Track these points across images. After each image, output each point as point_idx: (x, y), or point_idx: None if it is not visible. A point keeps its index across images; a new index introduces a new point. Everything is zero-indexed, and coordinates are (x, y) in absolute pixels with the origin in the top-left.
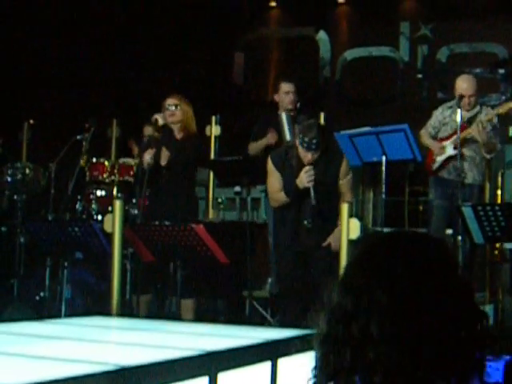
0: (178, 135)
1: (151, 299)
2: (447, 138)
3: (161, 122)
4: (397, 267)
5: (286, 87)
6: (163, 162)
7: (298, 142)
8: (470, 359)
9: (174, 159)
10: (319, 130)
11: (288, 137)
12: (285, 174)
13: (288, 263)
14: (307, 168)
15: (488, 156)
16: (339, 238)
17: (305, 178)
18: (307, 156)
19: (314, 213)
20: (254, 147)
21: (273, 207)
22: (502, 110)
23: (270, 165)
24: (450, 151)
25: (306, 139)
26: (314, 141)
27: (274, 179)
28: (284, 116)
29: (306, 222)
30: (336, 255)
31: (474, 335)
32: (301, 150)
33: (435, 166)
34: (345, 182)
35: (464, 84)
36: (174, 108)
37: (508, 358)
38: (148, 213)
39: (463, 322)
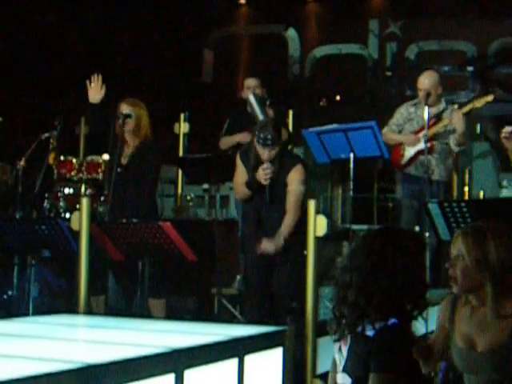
0: (135, 141)
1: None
2: (417, 133)
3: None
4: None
5: (248, 82)
6: (124, 161)
7: (255, 139)
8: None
9: (129, 167)
10: (274, 128)
11: (260, 116)
12: (249, 169)
13: (253, 259)
14: (265, 166)
15: (457, 149)
16: (274, 243)
17: (261, 176)
18: (264, 153)
19: (269, 213)
20: (226, 142)
21: (236, 200)
22: (478, 103)
23: (237, 159)
24: (422, 144)
25: (262, 136)
26: (269, 136)
27: (239, 173)
28: (252, 96)
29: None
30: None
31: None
32: (258, 148)
33: (404, 160)
34: (289, 192)
35: (425, 79)
36: (126, 115)
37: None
38: (110, 211)
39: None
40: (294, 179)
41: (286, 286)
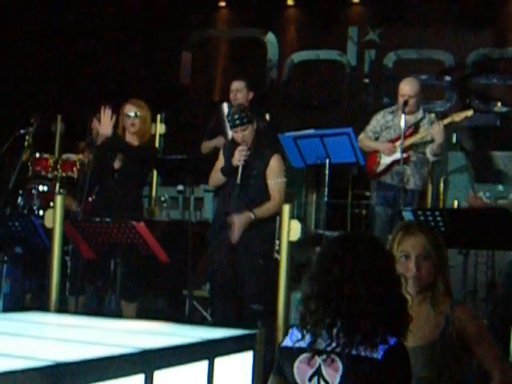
0: (135, 142)
1: (86, 300)
2: (394, 142)
3: (101, 131)
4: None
5: (234, 85)
6: (117, 165)
7: (228, 125)
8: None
9: (128, 166)
10: (240, 109)
11: (229, 136)
12: (227, 157)
13: (218, 260)
14: (240, 147)
15: (433, 159)
16: (240, 221)
17: (236, 156)
18: (238, 135)
19: (239, 205)
20: (205, 147)
21: (209, 186)
22: (457, 117)
23: (220, 153)
24: (398, 154)
25: (230, 118)
26: (236, 116)
27: (218, 162)
28: (225, 107)
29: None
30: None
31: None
32: (233, 133)
33: (379, 168)
34: (272, 184)
35: (406, 86)
36: (133, 116)
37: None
38: (92, 210)
39: (388, 303)
40: (274, 171)
41: (249, 287)
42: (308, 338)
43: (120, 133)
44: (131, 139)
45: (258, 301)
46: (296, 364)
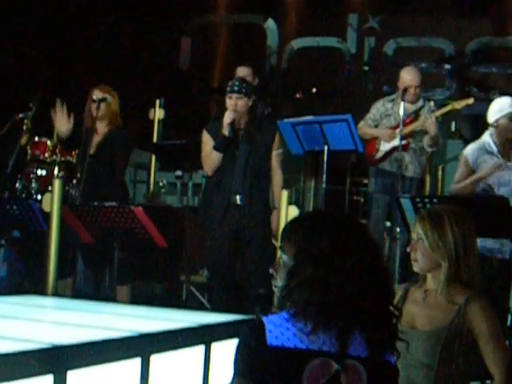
0: (105, 128)
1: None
2: (393, 129)
3: (57, 128)
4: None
5: (240, 71)
6: (92, 151)
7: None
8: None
9: (98, 154)
10: (243, 79)
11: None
12: (215, 135)
13: (218, 246)
14: (228, 110)
15: (430, 149)
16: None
17: (226, 115)
18: (231, 102)
19: (244, 189)
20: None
21: (207, 173)
22: (458, 105)
23: (205, 135)
24: (397, 141)
25: (230, 83)
26: (237, 83)
27: (208, 146)
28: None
29: (236, 198)
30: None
31: (382, 312)
32: (227, 100)
33: (378, 155)
34: (276, 155)
35: (408, 75)
36: (97, 101)
37: None
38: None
39: (375, 298)
40: (278, 143)
41: (253, 271)
42: (316, 338)
43: (90, 120)
44: (100, 125)
45: (264, 284)
46: (307, 369)
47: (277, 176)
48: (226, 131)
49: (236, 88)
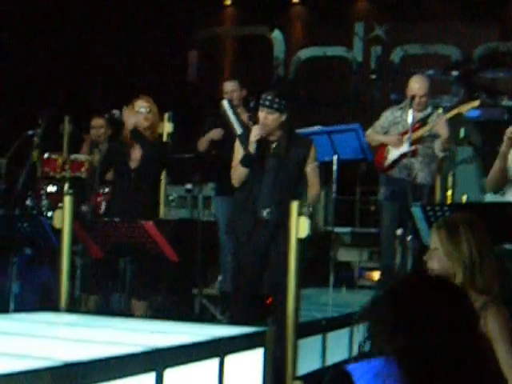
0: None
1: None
2: (401, 135)
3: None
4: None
5: (227, 87)
6: (133, 165)
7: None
8: None
9: (145, 165)
10: (278, 93)
11: (238, 130)
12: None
13: (247, 258)
14: (257, 126)
15: (442, 154)
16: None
17: (253, 131)
18: (262, 114)
19: (271, 202)
20: (201, 143)
21: (234, 185)
22: (463, 109)
23: (237, 144)
24: (406, 147)
25: (263, 96)
26: (269, 97)
27: (237, 155)
28: (226, 103)
29: (265, 213)
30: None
31: None
32: (259, 114)
33: (387, 162)
34: (312, 169)
35: (416, 84)
36: (147, 111)
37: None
38: (108, 212)
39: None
40: (314, 156)
41: (279, 286)
42: None
43: (126, 133)
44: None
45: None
46: None
47: (312, 190)
48: (251, 148)
49: (268, 103)
